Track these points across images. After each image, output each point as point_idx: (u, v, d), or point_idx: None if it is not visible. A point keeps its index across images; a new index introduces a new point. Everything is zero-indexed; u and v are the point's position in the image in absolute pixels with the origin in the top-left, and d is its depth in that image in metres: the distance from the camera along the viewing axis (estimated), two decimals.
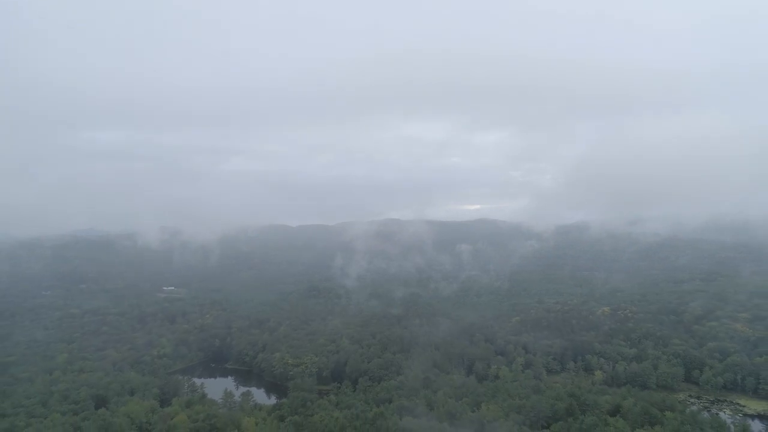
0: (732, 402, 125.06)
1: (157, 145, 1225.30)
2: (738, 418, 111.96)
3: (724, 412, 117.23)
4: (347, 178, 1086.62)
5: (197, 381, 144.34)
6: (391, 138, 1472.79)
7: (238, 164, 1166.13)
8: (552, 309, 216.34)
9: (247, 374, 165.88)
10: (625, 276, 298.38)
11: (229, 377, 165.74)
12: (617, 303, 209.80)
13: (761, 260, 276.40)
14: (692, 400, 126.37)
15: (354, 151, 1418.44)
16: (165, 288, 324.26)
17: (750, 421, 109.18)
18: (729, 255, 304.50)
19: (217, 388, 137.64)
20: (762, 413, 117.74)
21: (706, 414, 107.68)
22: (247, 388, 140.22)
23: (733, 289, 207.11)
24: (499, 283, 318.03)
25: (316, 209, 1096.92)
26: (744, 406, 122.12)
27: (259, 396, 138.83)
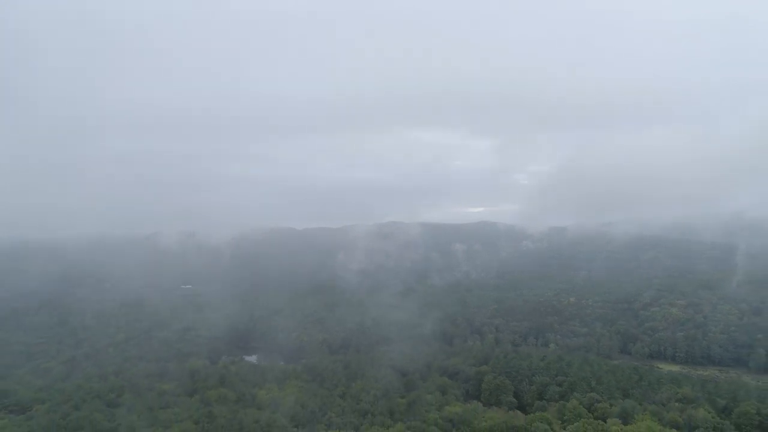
0: (653, 366, 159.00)
1: (167, 152, 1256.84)
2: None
3: None
4: (350, 182, 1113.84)
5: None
6: (393, 143, 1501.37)
7: (245, 169, 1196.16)
8: (528, 300, 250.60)
9: (269, 351, 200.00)
10: (601, 272, 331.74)
11: (254, 355, 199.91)
12: (584, 294, 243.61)
13: (717, 257, 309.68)
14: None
15: (356, 155, 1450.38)
16: (183, 286, 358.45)
17: None
18: (688, 252, 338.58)
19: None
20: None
21: None
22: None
23: (681, 281, 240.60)
24: (488, 279, 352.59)
25: (320, 212, 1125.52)
26: (661, 368, 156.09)
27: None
